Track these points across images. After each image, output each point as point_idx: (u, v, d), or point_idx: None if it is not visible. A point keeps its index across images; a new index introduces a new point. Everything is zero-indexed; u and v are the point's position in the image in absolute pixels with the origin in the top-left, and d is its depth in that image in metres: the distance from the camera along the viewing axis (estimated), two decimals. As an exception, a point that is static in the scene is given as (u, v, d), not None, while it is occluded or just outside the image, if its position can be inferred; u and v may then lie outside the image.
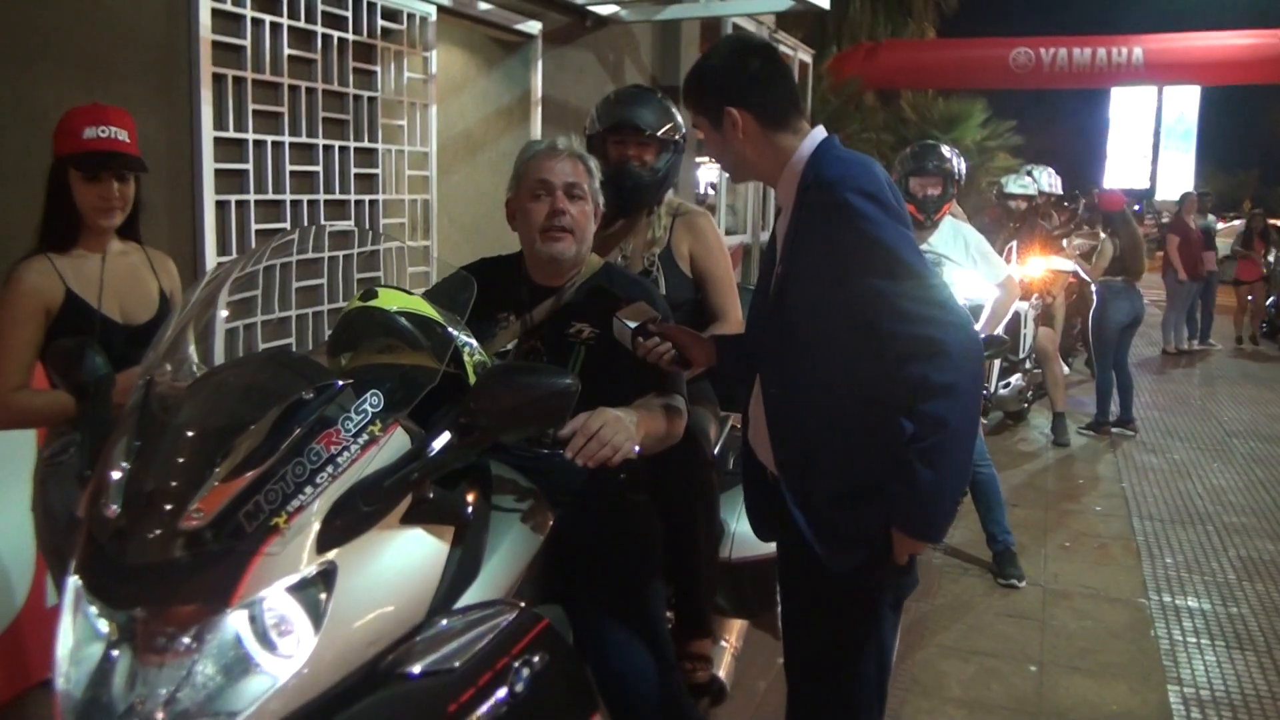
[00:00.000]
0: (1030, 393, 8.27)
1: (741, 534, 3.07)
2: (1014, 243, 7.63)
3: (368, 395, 1.72)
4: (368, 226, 5.47)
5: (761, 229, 10.92)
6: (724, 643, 3.11)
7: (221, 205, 4.55)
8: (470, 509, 1.94)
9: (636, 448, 2.16)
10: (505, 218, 2.62)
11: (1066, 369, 9.27)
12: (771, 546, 2.78)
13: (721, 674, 2.97)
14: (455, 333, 2.05)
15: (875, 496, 2.12)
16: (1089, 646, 4.29)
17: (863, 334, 2.07)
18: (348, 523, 1.64)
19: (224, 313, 2.16)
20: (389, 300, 2.07)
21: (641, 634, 2.30)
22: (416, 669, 1.69)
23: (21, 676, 3.55)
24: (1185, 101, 20.11)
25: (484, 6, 6.39)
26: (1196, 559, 5.38)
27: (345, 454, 1.66)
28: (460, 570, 1.87)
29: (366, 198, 5.50)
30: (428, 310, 2.06)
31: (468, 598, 1.90)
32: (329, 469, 1.64)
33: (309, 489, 1.61)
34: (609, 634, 2.24)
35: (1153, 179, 20.13)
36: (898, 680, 3.38)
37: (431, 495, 1.79)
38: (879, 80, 18.02)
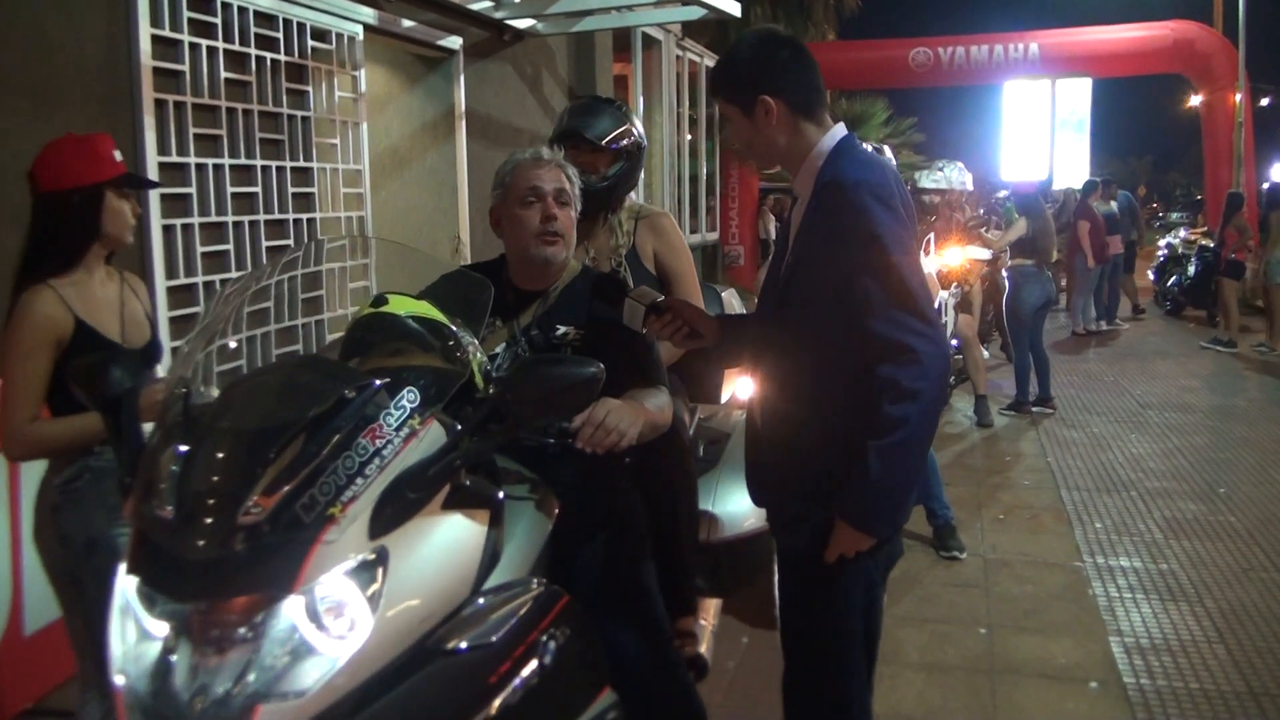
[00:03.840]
0: (953, 377, 8.57)
1: (717, 516, 3.23)
2: (931, 235, 7.90)
3: (404, 392, 1.83)
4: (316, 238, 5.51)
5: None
6: (702, 621, 3.25)
7: (168, 229, 4.58)
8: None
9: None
10: (488, 225, 2.73)
11: (985, 354, 9.60)
12: (745, 527, 2.92)
13: (703, 650, 3.12)
14: (462, 334, 2.16)
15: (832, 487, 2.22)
16: (1032, 608, 4.52)
17: (853, 328, 2.17)
18: (396, 510, 1.75)
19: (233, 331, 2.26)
20: (399, 305, 2.18)
21: (640, 611, 2.43)
22: (463, 644, 1.80)
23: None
24: (1078, 93, 20.72)
25: (408, 24, 6.48)
26: (1124, 522, 5.67)
27: (389, 447, 1.77)
28: (491, 552, 1.98)
29: (304, 216, 5.55)
30: (436, 314, 2.16)
31: (492, 580, 2.01)
32: (376, 461, 1.75)
33: (360, 480, 1.72)
34: (610, 613, 2.35)
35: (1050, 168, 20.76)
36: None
37: (467, 482, 1.91)
38: (783, 83, 18.33)
